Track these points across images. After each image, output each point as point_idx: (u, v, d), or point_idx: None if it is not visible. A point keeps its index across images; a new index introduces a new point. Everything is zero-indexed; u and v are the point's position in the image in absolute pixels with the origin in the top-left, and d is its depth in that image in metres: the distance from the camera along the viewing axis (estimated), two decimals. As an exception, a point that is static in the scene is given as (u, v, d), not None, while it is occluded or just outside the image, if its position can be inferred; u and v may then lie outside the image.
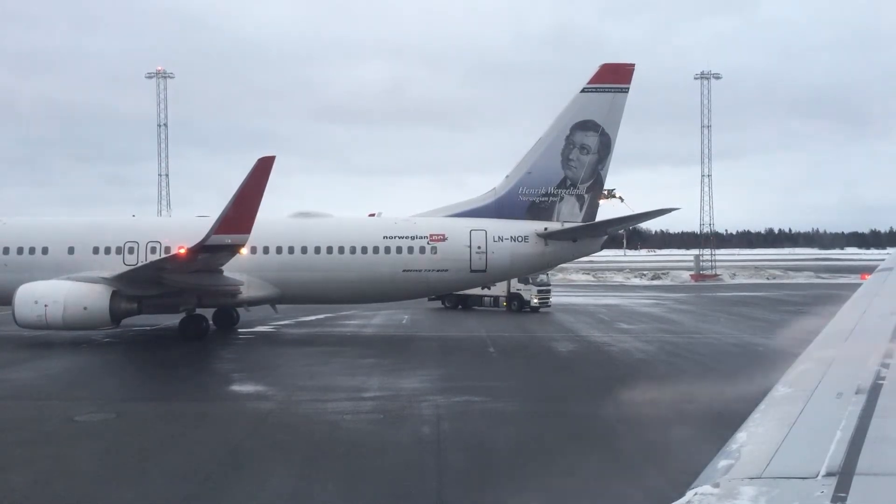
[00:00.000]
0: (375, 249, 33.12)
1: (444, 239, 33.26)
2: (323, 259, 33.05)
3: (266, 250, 32.78)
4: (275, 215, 35.04)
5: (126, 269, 30.53)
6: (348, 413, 18.60)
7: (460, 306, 47.85)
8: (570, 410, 18.79)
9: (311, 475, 13.31)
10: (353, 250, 33.12)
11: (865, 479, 2.47)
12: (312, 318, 41.52)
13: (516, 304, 46.33)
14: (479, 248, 33.18)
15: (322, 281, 33.06)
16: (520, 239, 33.58)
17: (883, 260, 12.73)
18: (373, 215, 38.45)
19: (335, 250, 33.14)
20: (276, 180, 27.24)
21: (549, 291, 47.71)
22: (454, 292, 43.99)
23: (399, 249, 33.10)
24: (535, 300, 46.14)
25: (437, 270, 33.27)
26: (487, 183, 36.04)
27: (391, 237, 33.30)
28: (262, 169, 26.89)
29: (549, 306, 47.20)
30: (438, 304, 48.31)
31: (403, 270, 33.06)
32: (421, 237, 33.29)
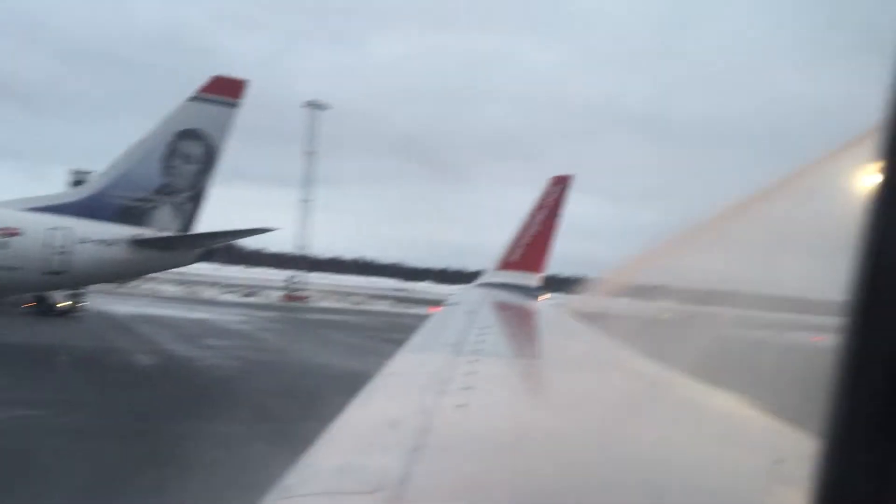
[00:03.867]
0: (-72, 238, 28.48)
1: (17, 234, 29.68)
2: None
3: None
4: None
5: None
6: None
7: None
8: (139, 428, 17.91)
9: None
10: None
11: (422, 494, 2.75)
12: None
13: (45, 305, 40.70)
14: (60, 248, 30.20)
15: None
16: (108, 243, 31.24)
17: (451, 295, 14.41)
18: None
19: None
20: None
21: (83, 294, 43.08)
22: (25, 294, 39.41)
23: (-41, 241, 28.85)
24: (65, 303, 41.44)
25: (6, 269, 29.52)
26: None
27: (-50, 226, 28.90)
28: None
29: (82, 310, 43.04)
30: None
31: (-39, 265, 28.84)
32: (-12, 229, 29.35)
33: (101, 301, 52.74)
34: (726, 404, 4.26)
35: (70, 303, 42.20)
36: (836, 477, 0.95)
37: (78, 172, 47.02)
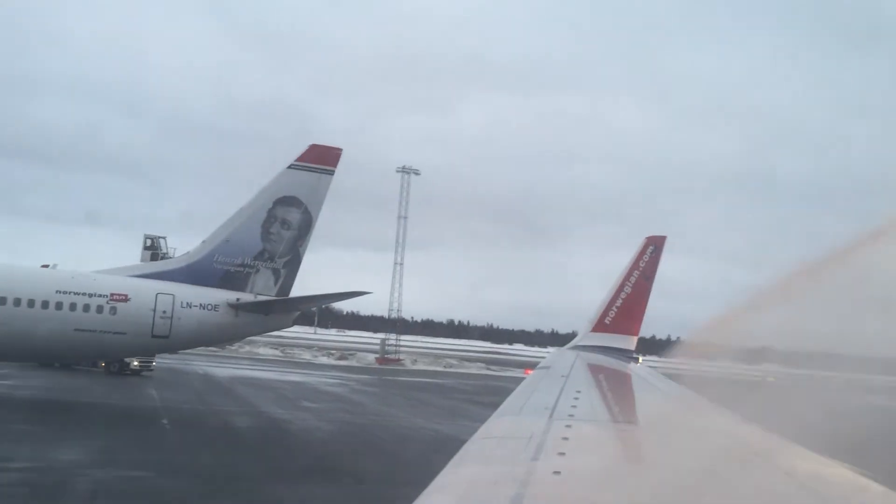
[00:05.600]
0: (45, 304, 30.01)
1: (126, 299, 31.01)
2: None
3: None
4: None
5: None
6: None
7: (57, 364, 42.67)
8: (233, 489, 18.22)
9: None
10: (17, 303, 29.71)
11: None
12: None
13: (116, 365, 43.45)
14: (164, 312, 31.34)
15: None
16: (210, 307, 32.30)
17: (544, 357, 14.26)
18: (47, 266, 35.08)
19: (-6, 301, 29.53)
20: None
21: (152, 356, 44.21)
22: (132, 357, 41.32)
23: (73, 306, 30.25)
24: (136, 363, 43.54)
25: (115, 333, 30.75)
26: (182, 245, 34.71)
27: (65, 292, 30.39)
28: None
29: (152, 370, 44.99)
30: None
31: (75, 329, 30.22)
32: (100, 295, 30.68)
33: (201, 362, 54.46)
34: (839, 475, 4.05)
35: (140, 363, 43.88)
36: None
37: (151, 237, 49.46)
